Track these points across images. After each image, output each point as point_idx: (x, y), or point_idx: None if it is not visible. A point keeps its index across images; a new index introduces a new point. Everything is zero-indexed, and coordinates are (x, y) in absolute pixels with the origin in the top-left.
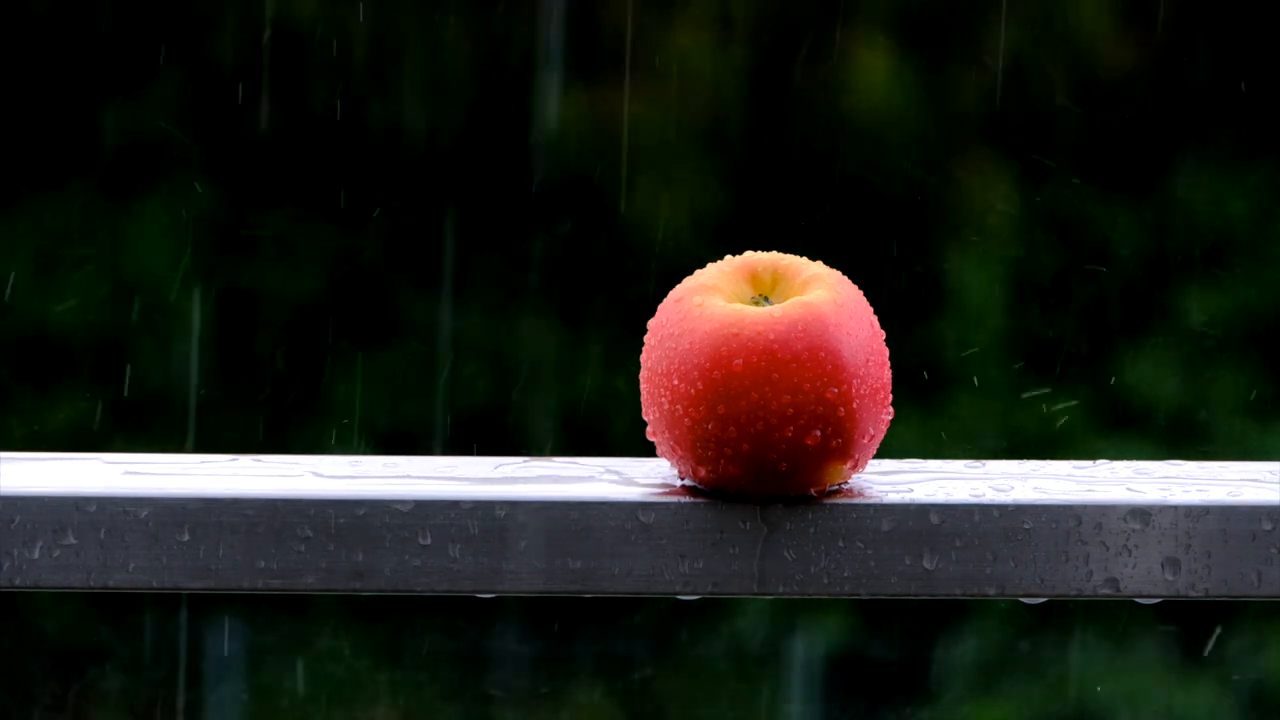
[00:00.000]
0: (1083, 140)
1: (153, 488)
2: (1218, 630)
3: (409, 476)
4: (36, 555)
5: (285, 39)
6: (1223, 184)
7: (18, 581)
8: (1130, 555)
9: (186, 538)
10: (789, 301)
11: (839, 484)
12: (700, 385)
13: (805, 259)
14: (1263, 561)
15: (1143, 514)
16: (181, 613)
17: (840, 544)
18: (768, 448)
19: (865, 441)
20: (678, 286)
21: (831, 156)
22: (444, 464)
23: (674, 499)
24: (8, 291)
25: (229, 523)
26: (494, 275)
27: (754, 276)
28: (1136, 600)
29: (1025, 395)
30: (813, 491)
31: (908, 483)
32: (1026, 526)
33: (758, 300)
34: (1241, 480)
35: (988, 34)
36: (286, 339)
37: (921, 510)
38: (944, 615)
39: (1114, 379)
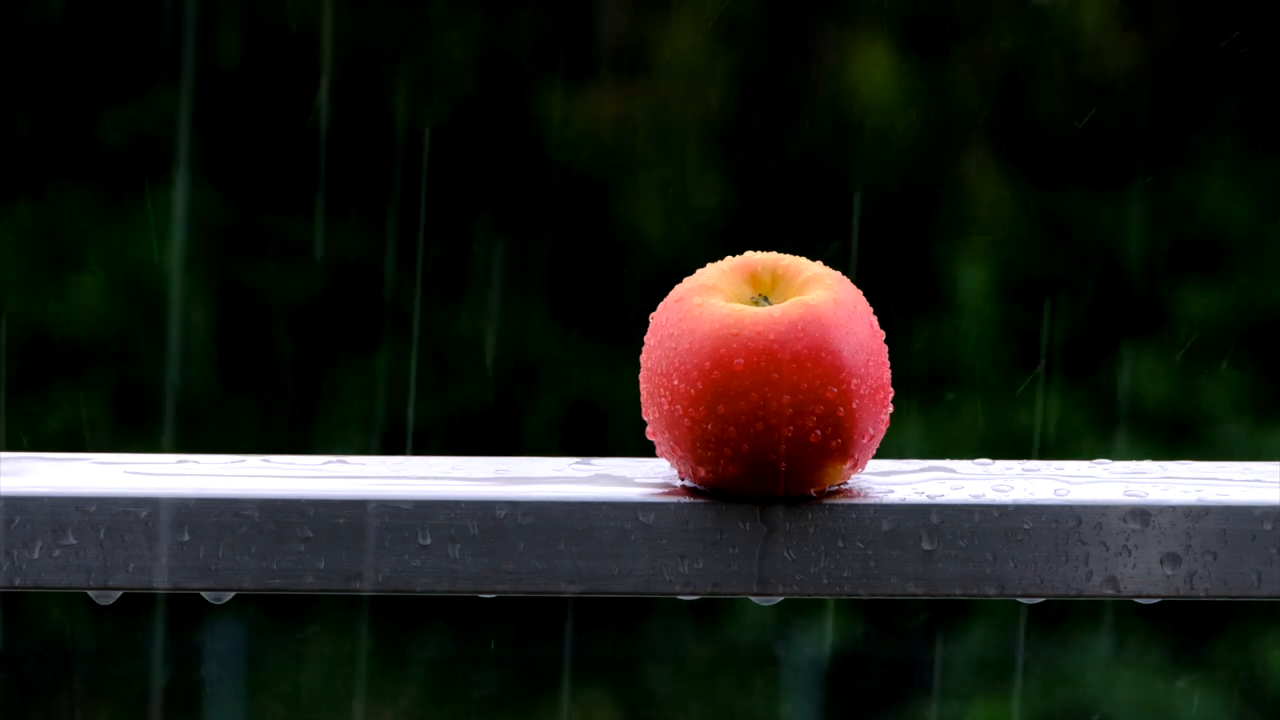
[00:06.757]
0: (1082, 140)
1: (153, 488)
2: (1217, 630)
3: (409, 476)
4: (36, 555)
5: (286, 39)
6: (1222, 184)
7: (18, 581)
8: (1130, 555)
9: (186, 538)
10: (789, 301)
11: (839, 484)
12: (700, 385)
13: (805, 259)
14: (1263, 561)
15: (1143, 514)
16: (181, 613)
17: (840, 544)
18: (768, 448)
19: (865, 441)
20: (678, 286)
21: (831, 156)
22: (444, 464)
23: (674, 499)
24: (8, 292)
25: (229, 523)
26: (494, 275)
27: (754, 276)
28: (1136, 600)
29: (1024, 395)
30: (813, 491)
31: (908, 483)
32: (1026, 526)
33: (757, 300)
34: (1241, 480)
35: (987, 34)
36: (287, 339)
37: (921, 510)
38: (944, 615)
39: (1114, 379)
